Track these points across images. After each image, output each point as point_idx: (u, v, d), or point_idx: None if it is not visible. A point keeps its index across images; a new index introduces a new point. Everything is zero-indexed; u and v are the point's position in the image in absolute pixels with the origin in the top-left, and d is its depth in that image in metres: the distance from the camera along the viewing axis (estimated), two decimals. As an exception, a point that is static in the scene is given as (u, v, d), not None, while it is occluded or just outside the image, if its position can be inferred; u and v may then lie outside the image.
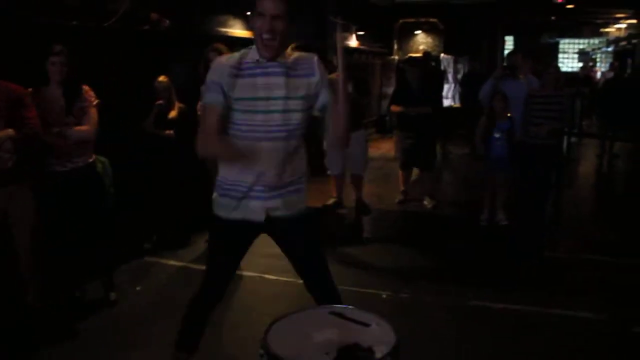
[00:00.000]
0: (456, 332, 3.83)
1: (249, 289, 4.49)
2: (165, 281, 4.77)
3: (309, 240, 2.66)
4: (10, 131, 3.49)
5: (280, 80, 2.37)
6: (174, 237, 5.51)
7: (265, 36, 2.27)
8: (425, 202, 7.05)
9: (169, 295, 4.44)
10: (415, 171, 7.27)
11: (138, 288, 4.57)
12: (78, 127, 3.92)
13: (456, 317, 4.06)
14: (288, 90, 2.38)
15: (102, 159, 4.39)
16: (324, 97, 2.49)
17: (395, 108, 6.88)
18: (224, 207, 2.56)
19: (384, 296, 4.37)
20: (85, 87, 4.03)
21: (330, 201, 6.86)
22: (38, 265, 3.80)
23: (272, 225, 2.55)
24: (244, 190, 2.48)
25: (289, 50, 2.45)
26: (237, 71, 2.34)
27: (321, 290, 2.60)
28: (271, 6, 2.24)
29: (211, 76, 2.37)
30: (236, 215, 2.52)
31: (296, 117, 2.43)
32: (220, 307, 4.04)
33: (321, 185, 7.10)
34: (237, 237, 2.59)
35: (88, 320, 3.98)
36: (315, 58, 2.50)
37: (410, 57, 9.86)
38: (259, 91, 2.35)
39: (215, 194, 2.61)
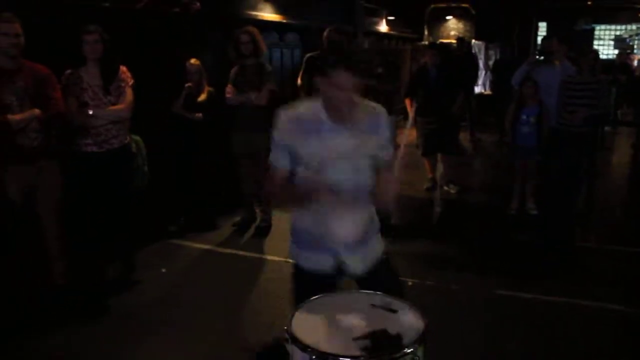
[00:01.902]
0: (483, 321, 3.78)
1: (273, 273, 4.48)
2: (190, 264, 4.80)
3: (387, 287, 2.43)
4: (36, 111, 3.55)
5: (348, 141, 2.28)
6: (200, 220, 5.53)
7: (341, 108, 2.20)
8: (446, 188, 6.98)
9: (193, 278, 4.47)
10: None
11: (163, 270, 4.60)
12: (114, 107, 3.97)
13: (483, 306, 4.00)
14: (355, 150, 2.30)
15: (136, 137, 4.43)
16: (385, 151, 2.44)
17: (408, 105, 6.80)
18: (297, 256, 2.49)
19: (410, 283, 4.33)
20: (123, 68, 4.06)
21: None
22: (64, 242, 3.86)
23: (351, 277, 2.46)
24: (314, 242, 2.39)
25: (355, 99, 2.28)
26: (303, 129, 2.25)
27: None
28: (348, 81, 2.15)
29: (278, 134, 2.27)
30: (307, 264, 2.43)
31: (364, 175, 2.35)
32: (244, 292, 4.09)
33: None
34: (310, 286, 2.39)
35: (113, 299, 4.03)
36: (383, 114, 2.41)
37: (432, 42, 9.74)
38: (325, 151, 2.25)
39: (290, 240, 2.53)
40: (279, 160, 2.31)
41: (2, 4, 3.76)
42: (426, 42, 13.95)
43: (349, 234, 2.36)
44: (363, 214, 2.42)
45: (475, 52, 13.72)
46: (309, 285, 2.40)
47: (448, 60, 7.55)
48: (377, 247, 2.54)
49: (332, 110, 2.23)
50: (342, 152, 2.27)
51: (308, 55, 6.20)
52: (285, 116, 2.28)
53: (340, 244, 2.36)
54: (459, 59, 10.06)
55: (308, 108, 2.30)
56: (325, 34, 6.13)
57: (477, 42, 14.37)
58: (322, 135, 2.25)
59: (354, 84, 2.16)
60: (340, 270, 2.41)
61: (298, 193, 2.30)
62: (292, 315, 1.98)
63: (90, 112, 3.89)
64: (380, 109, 2.42)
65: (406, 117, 7.37)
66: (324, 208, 2.28)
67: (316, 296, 2.16)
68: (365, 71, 2.21)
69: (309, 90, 5.31)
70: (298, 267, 2.49)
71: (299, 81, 5.85)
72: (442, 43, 11.81)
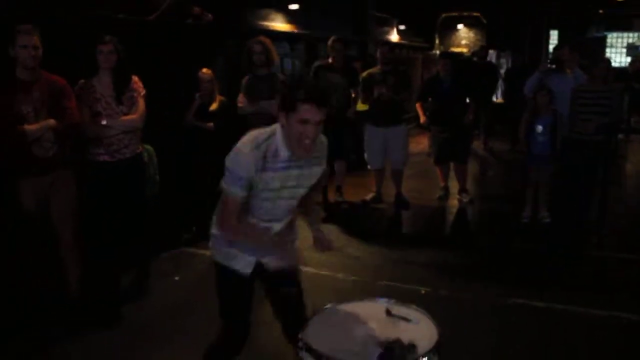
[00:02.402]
0: (497, 330, 3.76)
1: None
2: (204, 272, 4.78)
3: (297, 290, 2.65)
4: (51, 121, 3.60)
5: (297, 172, 2.38)
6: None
7: (307, 142, 2.23)
8: (459, 197, 6.98)
9: (206, 286, 4.46)
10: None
11: (176, 278, 4.62)
12: (125, 117, 4.00)
13: (497, 315, 3.98)
14: (300, 180, 2.41)
15: (148, 147, 4.46)
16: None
17: (420, 109, 6.81)
18: (218, 253, 2.61)
19: (423, 292, 4.32)
20: (135, 78, 4.10)
21: (370, 196, 6.81)
22: (79, 251, 3.89)
23: (262, 275, 2.58)
24: (240, 247, 2.51)
25: None
26: (262, 166, 2.29)
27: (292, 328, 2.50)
28: (318, 115, 2.19)
29: (236, 168, 2.29)
30: (229, 263, 2.56)
31: (299, 197, 2.48)
32: (257, 301, 4.09)
33: (361, 179, 7.06)
34: (232, 284, 2.60)
35: (126, 308, 4.04)
36: (325, 145, 2.50)
37: (445, 52, 9.74)
38: (276, 182, 2.34)
39: (211, 239, 2.64)
40: (236, 190, 2.32)
41: (18, 15, 3.82)
42: (437, 51, 13.98)
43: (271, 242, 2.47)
44: (287, 223, 2.55)
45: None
46: (231, 281, 2.58)
47: (462, 69, 7.54)
48: (294, 253, 2.60)
49: (294, 145, 2.25)
50: (289, 183, 2.37)
51: (316, 63, 6.28)
52: (247, 152, 2.27)
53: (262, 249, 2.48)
54: (476, 68, 10.07)
55: (269, 143, 2.30)
56: (329, 43, 6.18)
57: (488, 50, 14.36)
58: (277, 170, 2.31)
59: (322, 119, 2.20)
60: (257, 271, 2.53)
61: (250, 235, 2.43)
62: (306, 324, 1.99)
63: (104, 122, 3.92)
64: (323, 138, 2.48)
65: (418, 125, 7.37)
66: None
67: (329, 305, 2.16)
68: (330, 104, 2.26)
69: None
70: (219, 263, 2.61)
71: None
72: (453, 52, 11.81)
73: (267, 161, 2.28)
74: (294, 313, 2.56)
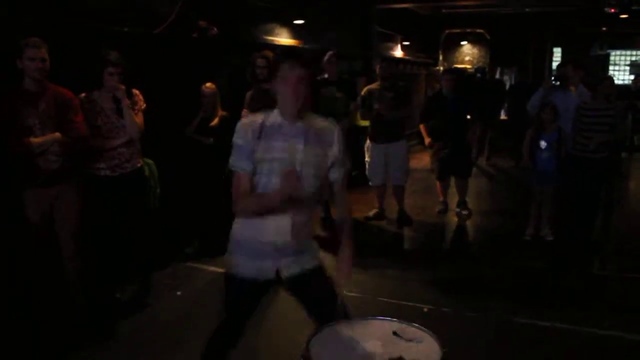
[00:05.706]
0: (500, 348, 3.73)
1: (288, 295, 4.45)
2: (205, 287, 4.79)
3: (324, 294, 2.61)
4: (57, 134, 3.60)
5: (300, 144, 2.41)
6: (215, 243, 5.52)
7: (294, 102, 2.37)
8: (458, 209, 7.00)
9: (208, 302, 4.45)
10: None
11: (178, 293, 4.60)
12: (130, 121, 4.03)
13: (499, 333, 3.95)
14: (306, 156, 2.41)
15: (149, 161, 4.47)
16: (335, 174, 2.56)
17: (423, 131, 6.83)
18: (236, 265, 2.61)
19: (425, 310, 4.29)
20: (135, 91, 4.12)
21: (372, 212, 6.80)
22: (81, 265, 3.88)
23: (286, 283, 2.60)
24: (257, 250, 2.51)
25: (310, 115, 2.51)
26: (260, 134, 2.39)
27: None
28: (296, 71, 2.35)
29: (238, 140, 2.42)
30: (249, 273, 2.56)
31: (308, 183, 2.42)
32: (260, 316, 4.07)
33: (363, 196, 7.05)
34: (248, 294, 2.64)
35: (127, 322, 4.03)
36: (337, 129, 2.54)
37: (449, 68, 9.77)
38: (278, 153, 2.38)
39: (227, 253, 2.67)
40: (242, 165, 2.41)
41: (23, 27, 3.85)
42: (441, 67, 14.03)
43: (288, 233, 2.47)
44: (302, 219, 2.52)
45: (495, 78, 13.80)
46: (245, 293, 2.61)
47: (465, 85, 7.55)
48: (312, 254, 2.63)
49: (286, 109, 2.40)
50: (292, 157, 2.39)
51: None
52: (247, 123, 2.44)
53: (279, 248, 2.49)
54: (482, 85, 10.07)
55: (267, 116, 2.46)
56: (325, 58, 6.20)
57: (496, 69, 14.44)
58: (277, 139, 2.39)
59: (300, 75, 2.34)
60: (277, 277, 2.55)
61: (263, 201, 2.40)
62: (309, 341, 1.97)
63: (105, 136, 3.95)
64: (334, 124, 2.56)
65: (421, 142, 7.36)
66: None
67: (333, 322, 2.15)
68: (308, 61, 2.40)
69: None
70: (234, 276, 2.62)
71: None
72: (457, 68, 11.84)
73: (266, 128, 2.40)
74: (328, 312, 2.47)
